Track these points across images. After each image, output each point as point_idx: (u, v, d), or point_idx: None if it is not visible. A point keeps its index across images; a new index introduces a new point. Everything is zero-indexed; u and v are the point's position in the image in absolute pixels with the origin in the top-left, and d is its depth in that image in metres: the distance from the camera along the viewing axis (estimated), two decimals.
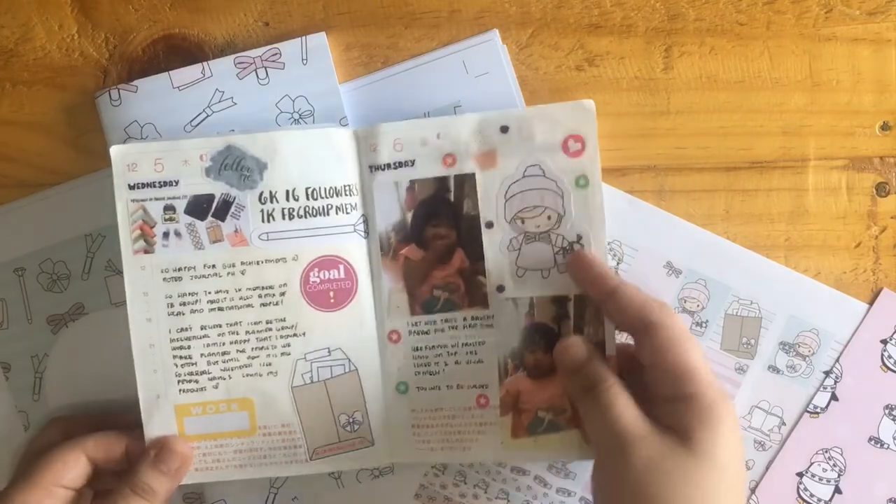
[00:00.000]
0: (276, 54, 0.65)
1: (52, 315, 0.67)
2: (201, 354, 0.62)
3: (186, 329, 0.62)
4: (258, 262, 0.62)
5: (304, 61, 0.65)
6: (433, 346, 0.63)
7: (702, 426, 0.53)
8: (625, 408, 0.55)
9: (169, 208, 0.62)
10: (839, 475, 0.66)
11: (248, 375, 0.62)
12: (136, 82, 0.65)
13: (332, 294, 0.62)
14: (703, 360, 0.56)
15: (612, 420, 0.55)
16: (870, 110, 0.66)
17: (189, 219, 0.62)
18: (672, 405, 0.55)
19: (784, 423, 0.66)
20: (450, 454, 0.63)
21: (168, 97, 0.65)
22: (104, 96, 0.65)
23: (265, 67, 0.65)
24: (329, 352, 0.62)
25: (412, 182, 0.62)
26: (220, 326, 0.62)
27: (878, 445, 0.66)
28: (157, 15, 0.67)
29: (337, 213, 0.62)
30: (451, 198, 0.62)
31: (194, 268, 0.62)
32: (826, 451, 0.66)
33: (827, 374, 0.66)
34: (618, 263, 0.66)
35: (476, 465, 0.67)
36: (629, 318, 0.57)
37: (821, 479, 0.66)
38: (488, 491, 0.67)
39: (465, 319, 0.62)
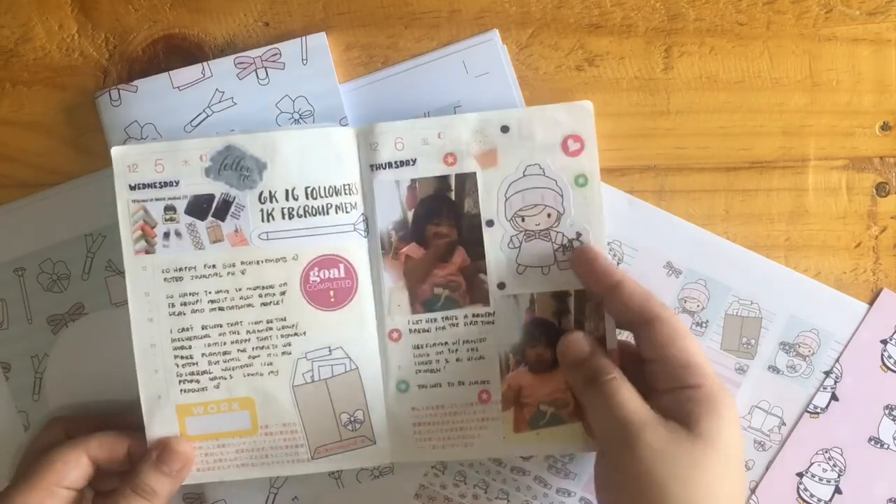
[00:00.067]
0: (276, 54, 0.65)
1: (52, 315, 0.67)
2: (202, 354, 0.62)
3: (187, 329, 0.62)
4: (258, 262, 0.62)
5: (304, 61, 0.65)
6: (434, 344, 0.63)
7: (706, 415, 0.55)
8: (629, 398, 0.56)
9: (169, 208, 0.62)
10: (839, 475, 0.66)
11: (249, 375, 0.62)
12: (136, 82, 0.65)
13: (332, 293, 0.62)
14: (703, 354, 0.57)
15: (617, 410, 0.55)
16: (870, 110, 0.66)
17: (189, 219, 0.62)
18: (674, 396, 0.56)
19: (784, 423, 0.66)
20: (452, 451, 0.63)
21: (168, 97, 0.65)
22: (104, 96, 0.65)
23: (265, 67, 0.65)
24: (330, 351, 0.62)
25: (413, 181, 0.62)
26: (221, 326, 0.62)
27: (878, 445, 0.66)
28: (157, 15, 0.67)
29: (337, 212, 0.62)
30: (452, 196, 0.62)
31: (195, 268, 0.62)
32: (826, 452, 0.66)
33: (827, 374, 0.66)
34: (618, 263, 0.66)
35: (476, 464, 0.67)
36: (632, 312, 0.58)
37: (821, 479, 0.66)
38: (488, 491, 0.67)
39: (466, 317, 0.62)
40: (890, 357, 0.66)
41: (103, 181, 0.64)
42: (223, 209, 0.62)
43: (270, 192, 0.62)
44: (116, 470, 0.62)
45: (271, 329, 0.62)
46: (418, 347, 0.63)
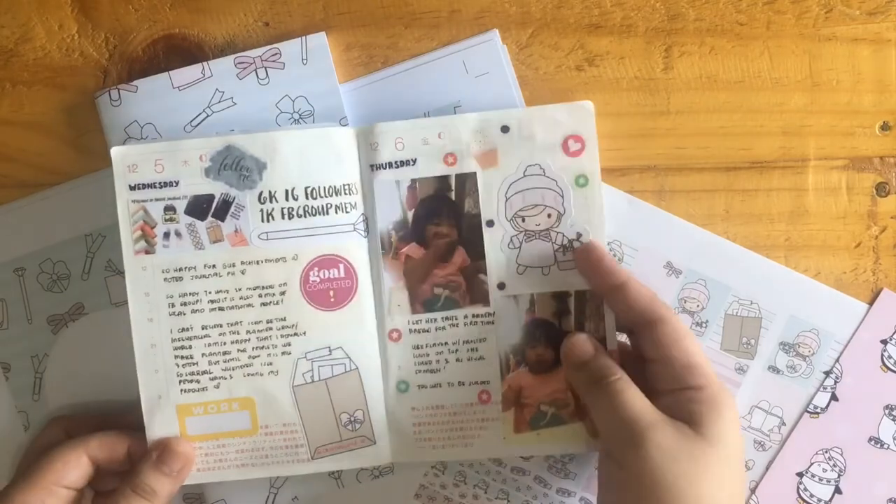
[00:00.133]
0: (276, 54, 0.65)
1: (52, 315, 0.67)
2: (202, 354, 0.62)
3: (187, 329, 0.62)
4: (258, 262, 0.62)
5: (304, 61, 0.65)
6: (434, 344, 0.63)
7: (710, 415, 0.55)
8: (635, 398, 0.56)
9: (169, 209, 0.62)
10: (839, 475, 0.66)
11: (249, 375, 0.62)
12: (136, 82, 0.65)
13: (332, 293, 0.62)
14: (704, 355, 0.58)
15: (623, 410, 0.56)
16: (870, 110, 0.66)
17: (189, 219, 0.62)
18: (676, 397, 0.57)
19: (784, 423, 0.66)
20: (452, 451, 0.63)
21: (168, 97, 0.65)
22: (104, 96, 0.65)
23: (265, 67, 0.65)
24: (330, 351, 0.62)
25: (413, 181, 0.62)
26: (221, 326, 0.62)
27: (878, 445, 0.66)
28: (157, 15, 0.67)
29: (336, 212, 0.62)
30: (453, 196, 0.62)
31: (195, 268, 0.62)
32: (826, 451, 0.66)
33: (827, 374, 0.66)
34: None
35: (476, 465, 0.67)
36: (636, 313, 0.58)
37: (821, 479, 0.66)
38: (488, 491, 0.67)
39: (465, 317, 0.62)
40: (890, 357, 0.66)
41: (103, 181, 0.64)
42: (223, 209, 0.62)
43: (270, 192, 0.62)
44: (116, 470, 0.62)
45: (271, 329, 0.62)
46: (418, 347, 0.63)
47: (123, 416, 0.65)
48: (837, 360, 0.66)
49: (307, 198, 0.62)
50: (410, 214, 0.62)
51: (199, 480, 0.63)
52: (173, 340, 0.62)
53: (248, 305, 0.62)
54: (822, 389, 0.66)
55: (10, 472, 0.65)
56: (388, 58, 0.66)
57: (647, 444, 0.54)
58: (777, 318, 0.66)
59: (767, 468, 0.66)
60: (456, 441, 0.63)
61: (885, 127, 0.66)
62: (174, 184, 0.62)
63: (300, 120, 0.65)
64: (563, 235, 0.61)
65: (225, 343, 0.62)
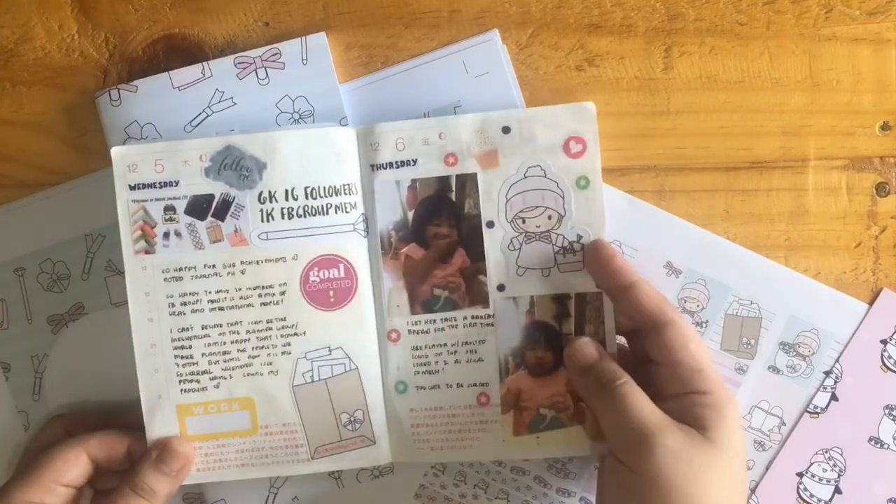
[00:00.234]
0: (276, 54, 0.65)
1: (52, 315, 0.67)
2: (202, 354, 0.62)
3: (187, 329, 0.62)
4: (258, 262, 0.62)
5: (304, 61, 0.65)
6: (433, 346, 0.63)
7: (716, 419, 0.55)
8: (642, 402, 0.56)
9: (169, 208, 0.62)
10: (839, 475, 0.66)
11: (249, 375, 0.62)
12: (136, 82, 0.65)
13: (331, 293, 0.62)
14: (710, 359, 0.58)
15: (631, 414, 0.56)
16: (870, 110, 0.66)
17: (189, 219, 0.62)
18: (683, 400, 0.57)
19: (784, 423, 0.66)
20: (451, 453, 0.63)
21: (168, 97, 0.65)
22: (104, 96, 0.65)
23: (265, 67, 0.65)
24: (329, 351, 0.62)
25: (414, 181, 0.62)
26: (221, 326, 0.62)
27: (878, 445, 0.66)
28: (157, 15, 0.67)
29: (336, 212, 0.62)
30: (453, 197, 0.62)
31: (195, 268, 0.62)
32: (826, 451, 0.66)
33: (827, 374, 0.66)
34: None
35: (476, 465, 0.67)
36: (644, 315, 0.58)
37: (821, 479, 0.66)
38: (488, 491, 0.67)
39: (465, 318, 0.62)
40: (890, 357, 0.66)
41: (103, 181, 0.64)
42: (223, 209, 0.62)
43: (270, 192, 0.62)
44: (116, 469, 0.62)
45: (271, 329, 0.62)
46: (417, 349, 0.63)
47: (123, 416, 0.65)
48: (837, 360, 0.66)
49: (307, 198, 0.62)
50: (411, 215, 0.62)
51: (198, 480, 0.63)
52: (173, 340, 0.62)
53: (248, 305, 0.62)
54: (822, 389, 0.66)
55: (10, 471, 0.65)
56: (388, 58, 0.66)
57: (657, 448, 0.54)
58: (777, 318, 0.66)
59: (767, 468, 0.66)
60: (454, 443, 0.63)
61: (885, 127, 0.66)
62: (174, 184, 0.62)
63: (300, 120, 0.65)
64: (564, 237, 0.61)
65: (225, 343, 0.62)
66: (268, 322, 0.62)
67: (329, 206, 0.62)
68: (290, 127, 0.65)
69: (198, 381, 0.62)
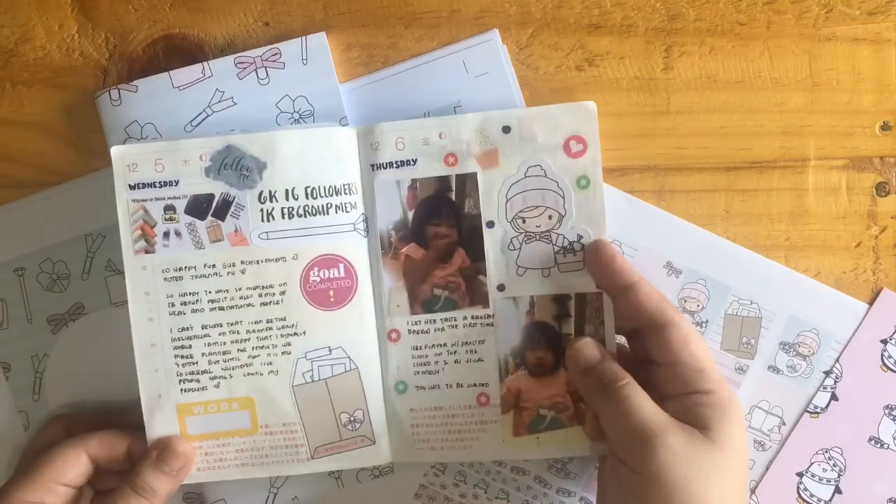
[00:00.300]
0: (276, 54, 0.65)
1: (52, 315, 0.67)
2: (202, 354, 0.62)
3: (187, 328, 0.62)
4: (258, 262, 0.62)
5: (305, 61, 0.65)
6: (433, 346, 0.63)
7: (720, 419, 0.55)
8: (645, 402, 0.56)
9: (169, 208, 0.62)
10: (839, 475, 0.66)
11: (249, 374, 0.62)
12: (136, 82, 0.65)
13: (332, 293, 0.62)
14: (712, 359, 0.58)
15: (634, 414, 0.56)
16: (870, 110, 0.66)
17: (189, 218, 0.62)
18: (685, 400, 0.57)
19: (784, 423, 0.66)
20: (450, 453, 0.63)
21: (168, 97, 0.65)
22: (104, 96, 0.65)
23: (265, 67, 0.65)
24: (330, 350, 0.62)
25: (414, 181, 0.62)
26: (221, 326, 0.62)
27: (878, 445, 0.66)
28: (157, 15, 0.67)
29: (336, 211, 0.62)
30: (453, 197, 0.62)
31: (195, 267, 0.62)
32: (826, 451, 0.66)
33: (827, 374, 0.66)
34: None
35: (476, 465, 0.67)
36: (645, 315, 0.58)
37: (821, 479, 0.66)
38: (488, 491, 0.67)
39: (465, 318, 0.62)
40: (890, 357, 0.66)
41: (103, 181, 0.64)
42: (223, 209, 0.62)
43: (270, 192, 0.62)
44: (116, 469, 0.62)
45: (271, 329, 0.62)
46: (417, 349, 0.63)
47: (123, 416, 0.65)
48: (837, 360, 0.66)
49: (307, 197, 0.62)
50: (410, 214, 0.62)
51: (198, 480, 0.63)
52: (173, 340, 0.62)
53: (248, 305, 0.62)
54: (822, 389, 0.66)
55: (10, 470, 0.65)
56: (388, 58, 0.66)
57: (661, 449, 0.54)
58: (777, 317, 0.66)
59: (767, 468, 0.66)
60: (454, 443, 0.63)
61: (885, 127, 0.66)
62: (174, 183, 0.62)
63: (300, 120, 0.65)
64: (564, 237, 0.61)
65: (225, 343, 0.62)
66: (268, 322, 0.62)
67: (329, 205, 0.62)
68: (291, 127, 0.65)
69: (198, 381, 0.62)
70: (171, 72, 0.65)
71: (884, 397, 0.66)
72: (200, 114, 0.65)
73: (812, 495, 0.66)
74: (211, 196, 0.62)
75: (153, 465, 0.60)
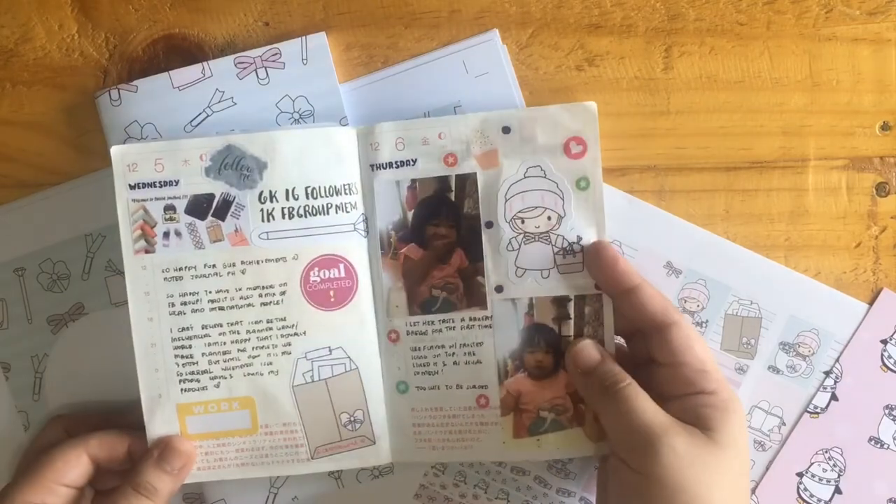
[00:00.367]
0: (276, 54, 0.65)
1: (52, 315, 0.67)
2: (202, 354, 0.62)
3: (188, 328, 0.62)
4: (258, 262, 0.62)
5: (305, 61, 0.65)
6: (431, 347, 0.63)
7: (722, 420, 0.56)
8: (647, 404, 0.56)
9: (169, 208, 0.62)
10: (839, 475, 0.66)
11: (249, 374, 0.62)
12: (136, 82, 0.65)
13: (332, 293, 0.62)
14: (714, 359, 0.59)
15: (636, 416, 0.56)
16: (870, 110, 0.66)
17: (189, 218, 0.62)
18: (687, 401, 0.57)
19: (784, 423, 0.66)
20: (451, 453, 0.63)
21: (168, 97, 0.65)
22: (104, 96, 0.65)
23: (265, 67, 0.65)
24: (330, 351, 0.62)
25: (413, 181, 0.62)
26: (221, 326, 0.62)
27: (878, 445, 0.66)
28: (157, 15, 0.67)
29: (337, 211, 0.62)
30: (452, 197, 0.62)
31: (195, 267, 0.62)
32: (826, 451, 0.66)
33: (827, 374, 0.66)
34: None
35: (476, 465, 0.67)
36: (650, 316, 0.58)
37: (821, 479, 0.66)
38: (488, 491, 0.67)
39: (462, 320, 0.62)
40: (890, 357, 0.66)
41: (103, 181, 0.64)
42: (223, 209, 0.62)
43: (270, 192, 0.62)
44: (116, 469, 0.62)
45: (271, 329, 0.62)
46: (416, 350, 0.63)
47: (124, 416, 0.65)
48: (837, 360, 0.66)
49: (307, 197, 0.62)
50: (410, 215, 0.62)
51: (198, 479, 0.63)
52: (173, 340, 0.62)
53: (249, 305, 0.62)
54: (822, 389, 0.66)
55: (11, 471, 0.66)
56: (388, 58, 0.66)
57: (664, 450, 0.54)
58: (777, 318, 0.66)
59: (767, 468, 0.66)
60: (455, 443, 0.63)
61: (885, 127, 0.66)
62: (174, 183, 0.62)
63: (300, 120, 0.65)
64: (564, 238, 0.61)
65: (225, 343, 0.62)
66: (268, 322, 0.62)
67: (329, 205, 0.62)
68: (291, 127, 0.65)
69: (198, 381, 0.62)
70: (171, 72, 0.65)
71: (884, 397, 0.66)
72: (200, 114, 0.65)
73: (812, 495, 0.66)
74: (211, 196, 0.62)
75: (155, 464, 0.60)
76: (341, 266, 0.62)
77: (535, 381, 0.62)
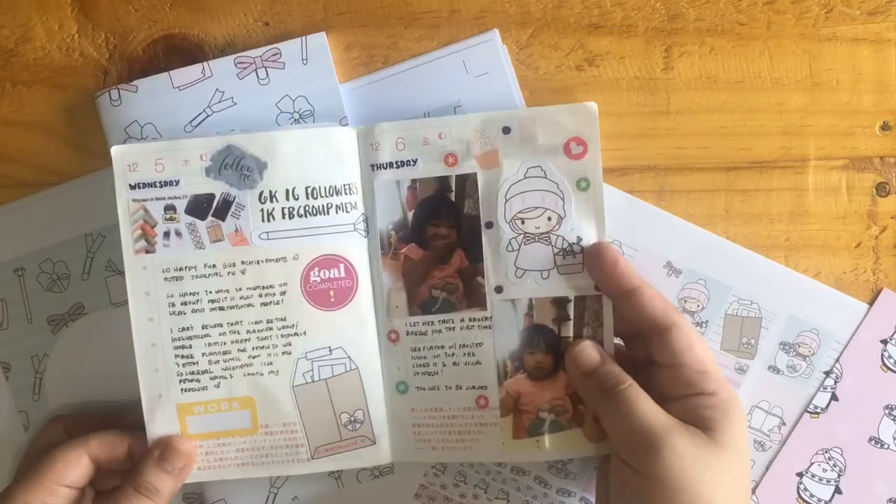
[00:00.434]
0: (276, 54, 0.65)
1: (52, 315, 0.67)
2: (203, 354, 0.62)
3: (188, 328, 0.62)
4: (258, 262, 0.62)
5: (305, 61, 0.65)
6: (431, 347, 0.63)
7: (724, 421, 0.56)
8: (648, 405, 0.56)
9: (169, 208, 0.62)
10: (839, 475, 0.66)
11: (249, 374, 0.62)
12: (136, 82, 0.65)
13: (332, 293, 0.62)
14: (714, 360, 0.59)
15: (637, 417, 0.56)
16: (870, 110, 0.66)
17: (189, 218, 0.62)
18: (688, 402, 0.57)
19: (784, 423, 0.66)
20: (451, 453, 0.63)
21: (168, 97, 0.65)
22: (104, 96, 0.65)
23: (265, 67, 0.65)
24: (330, 351, 0.62)
25: (414, 181, 0.62)
26: (221, 326, 0.62)
27: (878, 445, 0.66)
28: (157, 15, 0.67)
29: (337, 211, 0.62)
30: (453, 197, 0.62)
31: (195, 267, 0.62)
32: (826, 451, 0.66)
33: (827, 374, 0.66)
34: None
35: (476, 465, 0.67)
36: (651, 318, 0.58)
37: (821, 479, 0.66)
38: (488, 491, 0.67)
39: (462, 321, 0.62)
40: (890, 357, 0.66)
41: (103, 181, 0.64)
42: (223, 209, 0.62)
43: (271, 192, 0.62)
44: (117, 469, 0.62)
45: (271, 329, 0.62)
46: (416, 350, 0.63)
47: (124, 416, 0.65)
48: (837, 360, 0.66)
49: (308, 197, 0.62)
50: (410, 215, 0.62)
51: (199, 479, 0.63)
52: (174, 340, 0.62)
53: (249, 305, 0.62)
54: (822, 389, 0.66)
55: (11, 471, 0.66)
56: (388, 58, 0.66)
57: (665, 451, 0.54)
58: (777, 318, 0.66)
59: (767, 468, 0.66)
60: (455, 444, 0.63)
61: (885, 127, 0.66)
62: (174, 183, 0.62)
63: (300, 120, 0.65)
64: (564, 239, 0.61)
65: (225, 343, 0.62)
66: (268, 322, 0.62)
67: (329, 205, 0.62)
68: (291, 127, 0.65)
69: (198, 381, 0.62)
70: (171, 72, 0.65)
71: (884, 397, 0.66)
72: (200, 114, 0.65)
73: (812, 495, 0.66)
74: (211, 196, 0.62)
75: (155, 464, 0.60)
76: (341, 266, 0.62)
77: (535, 382, 0.62)
